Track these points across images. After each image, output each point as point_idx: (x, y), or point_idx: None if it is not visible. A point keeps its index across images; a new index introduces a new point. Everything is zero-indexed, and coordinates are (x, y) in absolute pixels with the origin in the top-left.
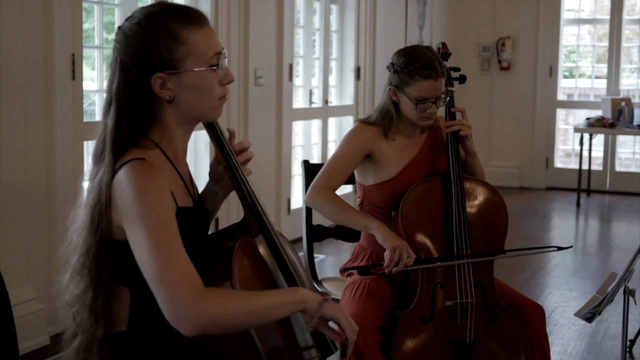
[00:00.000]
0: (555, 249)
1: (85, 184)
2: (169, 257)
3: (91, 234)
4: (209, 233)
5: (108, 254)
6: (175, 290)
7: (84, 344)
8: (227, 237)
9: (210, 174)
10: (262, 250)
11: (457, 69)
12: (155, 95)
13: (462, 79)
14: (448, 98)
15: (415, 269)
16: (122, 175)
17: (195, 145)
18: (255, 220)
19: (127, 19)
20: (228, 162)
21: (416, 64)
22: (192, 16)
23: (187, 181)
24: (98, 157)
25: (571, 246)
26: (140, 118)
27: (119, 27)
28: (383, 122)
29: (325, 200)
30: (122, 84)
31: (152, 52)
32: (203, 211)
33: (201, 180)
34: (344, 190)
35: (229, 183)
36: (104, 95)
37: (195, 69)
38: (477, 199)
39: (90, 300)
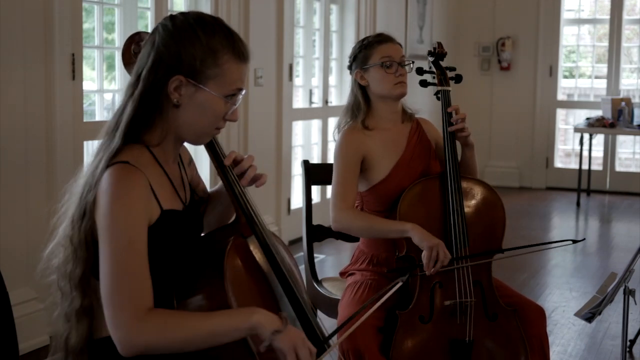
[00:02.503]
0: (570, 242)
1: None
2: (122, 278)
3: (78, 206)
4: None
5: (90, 224)
6: (118, 312)
7: (67, 315)
8: (219, 238)
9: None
10: (254, 250)
11: (452, 69)
12: (167, 94)
13: (458, 79)
14: (412, 62)
15: (452, 268)
16: (105, 177)
17: (195, 148)
18: (247, 220)
19: (182, 13)
20: (219, 163)
21: (368, 38)
22: (239, 47)
23: (177, 185)
24: (109, 134)
25: (584, 239)
26: (154, 107)
27: (173, 16)
28: (357, 115)
29: (351, 221)
30: (151, 67)
31: (187, 56)
32: (195, 215)
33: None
34: None
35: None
36: (105, 95)
37: (213, 92)
38: (475, 198)
39: (69, 271)
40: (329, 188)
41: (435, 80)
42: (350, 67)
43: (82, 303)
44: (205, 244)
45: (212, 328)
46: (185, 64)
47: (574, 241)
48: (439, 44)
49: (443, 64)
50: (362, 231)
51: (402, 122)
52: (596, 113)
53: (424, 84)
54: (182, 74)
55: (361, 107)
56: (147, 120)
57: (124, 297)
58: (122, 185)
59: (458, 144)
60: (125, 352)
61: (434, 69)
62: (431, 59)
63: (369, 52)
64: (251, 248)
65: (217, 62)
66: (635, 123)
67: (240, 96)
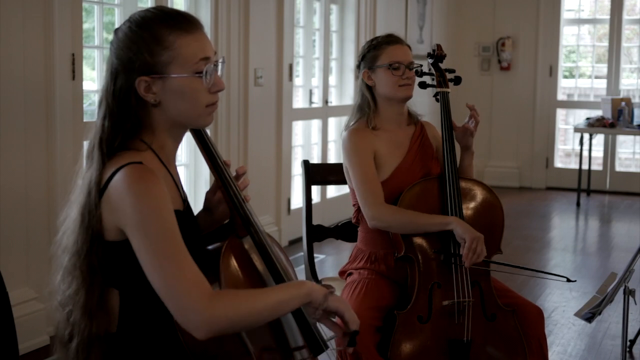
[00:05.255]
0: (565, 279)
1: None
2: (176, 265)
3: (82, 234)
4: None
5: (99, 253)
6: (185, 298)
7: (82, 345)
8: (215, 239)
9: (206, 202)
10: (250, 250)
11: (452, 71)
12: (141, 98)
13: (457, 80)
14: (421, 66)
15: (486, 269)
16: (119, 178)
17: (195, 148)
18: (242, 221)
19: (124, 23)
20: (214, 164)
21: (378, 38)
22: (182, 22)
23: (178, 182)
24: (89, 157)
25: (575, 280)
26: (127, 120)
27: (116, 30)
28: (364, 114)
29: (392, 216)
30: (109, 85)
31: (137, 56)
32: (192, 215)
33: (200, 182)
34: (342, 191)
35: (225, 211)
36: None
37: (179, 75)
38: (474, 199)
39: (83, 300)
40: (329, 188)
41: (435, 82)
42: (358, 67)
43: (99, 329)
44: (201, 245)
45: (277, 298)
46: (138, 63)
47: (568, 280)
48: (438, 46)
49: (442, 65)
50: (402, 226)
51: (408, 124)
52: (596, 113)
53: (423, 85)
54: (142, 74)
55: (368, 103)
56: (129, 132)
57: (187, 282)
58: (143, 182)
59: (457, 146)
60: (205, 335)
61: (433, 71)
62: (430, 60)
63: (378, 52)
64: (247, 248)
65: (165, 45)
66: (635, 123)
67: (214, 64)
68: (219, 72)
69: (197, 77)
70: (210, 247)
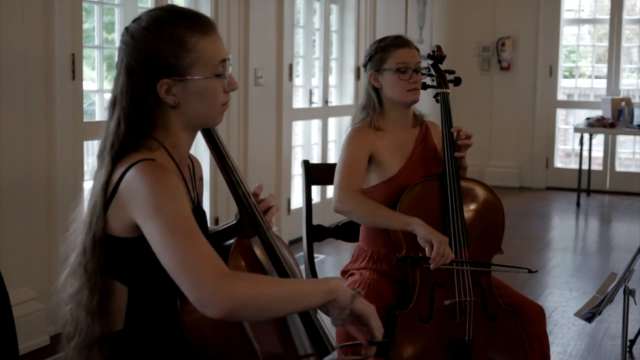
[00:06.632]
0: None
1: (88, 184)
2: (191, 243)
3: (88, 234)
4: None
5: (103, 251)
6: (201, 272)
7: (83, 344)
8: (223, 239)
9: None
10: (257, 251)
11: (451, 72)
12: (159, 100)
13: (457, 81)
14: (428, 69)
15: (451, 269)
16: (132, 174)
17: (195, 147)
18: (250, 221)
19: (134, 21)
20: (223, 164)
21: (386, 40)
22: (200, 23)
23: (189, 183)
24: (100, 157)
25: (537, 271)
26: (142, 121)
27: (127, 28)
28: (369, 114)
29: (356, 203)
30: (126, 86)
31: (160, 58)
32: (202, 214)
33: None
34: None
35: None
36: (105, 95)
37: (202, 77)
38: (474, 199)
39: (85, 299)
40: (329, 188)
41: (435, 83)
42: (365, 66)
43: (103, 330)
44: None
45: (297, 288)
46: (161, 65)
47: (530, 271)
48: (438, 47)
49: (442, 66)
50: (364, 216)
51: (413, 127)
52: (596, 113)
53: (423, 86)
54: (165, 76)
55: (373, 104)
56: (141, 133)
57: (201, 258)
58: (157, 174)
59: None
60: (219, 311)
61: (433, 72)
62: (430, 62)
63: (386, 55)
64: (254, 249)
65: (188, 48)
66: (635, 123)
67: (229, 65)
68: (229, 71)
69: (217, 78)
70: (218, 247)
